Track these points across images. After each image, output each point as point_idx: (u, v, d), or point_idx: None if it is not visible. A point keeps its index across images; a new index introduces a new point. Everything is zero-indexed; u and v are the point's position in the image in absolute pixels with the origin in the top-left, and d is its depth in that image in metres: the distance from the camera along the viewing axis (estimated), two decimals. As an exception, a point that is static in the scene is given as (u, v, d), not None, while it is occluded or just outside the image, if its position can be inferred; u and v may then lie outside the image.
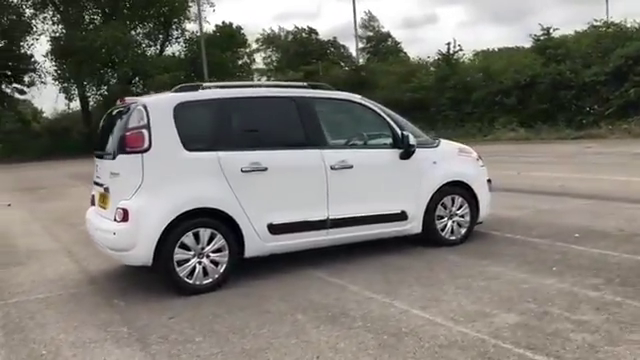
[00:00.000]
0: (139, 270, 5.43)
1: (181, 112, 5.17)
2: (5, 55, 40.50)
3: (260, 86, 6.13)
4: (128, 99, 5.56)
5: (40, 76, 41.79)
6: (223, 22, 40.66)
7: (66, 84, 39.45)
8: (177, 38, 41.87)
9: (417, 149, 6.12)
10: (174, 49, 41.91)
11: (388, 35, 59.70)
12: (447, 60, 31.15)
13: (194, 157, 5.16)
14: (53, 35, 38.82)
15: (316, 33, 58.51)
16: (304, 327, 4.17)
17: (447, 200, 6.37)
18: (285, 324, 4.25)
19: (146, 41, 40.35)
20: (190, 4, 40.28)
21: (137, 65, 35.97)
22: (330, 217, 5.67)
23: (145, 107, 5.09)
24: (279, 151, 5.52)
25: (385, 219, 5.99)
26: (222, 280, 5.22)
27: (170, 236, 4.98)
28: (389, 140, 6.07)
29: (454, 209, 6.43)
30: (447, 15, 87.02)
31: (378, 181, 5.99)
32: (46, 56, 39.16)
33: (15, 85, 43.82)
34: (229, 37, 39.71)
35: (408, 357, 3.58)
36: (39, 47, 41.46)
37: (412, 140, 5.96)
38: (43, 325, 4.57)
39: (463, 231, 6.49)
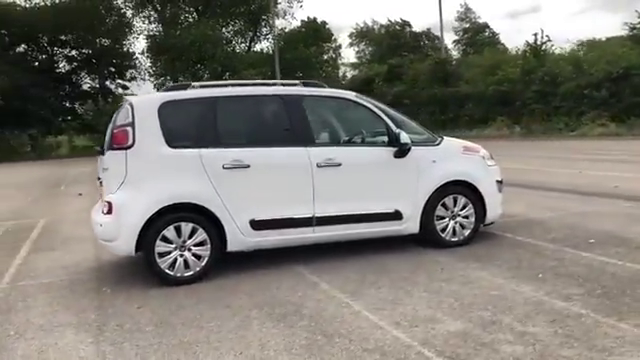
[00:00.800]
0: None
1: (165, 111, 5.39)
2: (110, 53, 43.38)
3: (251, 85, 6.21)
4: (128, 98, 5.86)
5: (140, 72, 44.44)
6: (308, 17, 41.22)
7: (162, 80, 41.59)
8: (266, 35, 42.90)
9: (415, 147, 6.00)
10: (262, 45, 43.00)
11: (486, 26, 57.81)
12: (534, 51, 29.76)
13: (177, 154, 5.36)
14: (149, 33, 41.01)
15: (409, 25, 57.93)
16: (250, 323, 4.25)
17: (448, 200, 6.18)
18: (235, 319, 4.35)
19: (236, 38, 41.63)
20: (279, 1, 41.13)
21: (226, 61, 37.22)
22: (316, 215, 5.69)
23: (131, 106, 5.36)
24: (263, 149, 5.61)
25: (377, 218, 5.92)
26: (204, 273, 5.40)
27: (151, 229, 5.22)
28: (383, 138, 5.98)
29: (456, 210, 6.23)
30: (553, 3, 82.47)
31: (369, 179, 5.92)
32: (142, 53, 41.48)
33: (118, 81, 46.86)
34: (314, 32, 40.14)
35: (325, 358, 3.57)
36: (137, 45, 43.73)
37: (404, 138, 5.83)
38: (29, 308, 4.96)
39: (467, 233, 6.28)
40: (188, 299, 4.90)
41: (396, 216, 5.97)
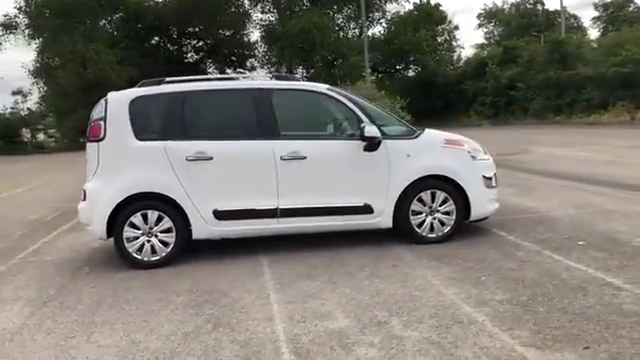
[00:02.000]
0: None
1: (136, 105, 5.78)
2: (230, 43, 45.43)
3: (224, 79, 6.38)
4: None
5: (258, 61, 46.13)
6: (421, 0, 40.29)
7: (276, 67, 42.94)
8: (379, 19, 42.69)
9: (387, 141, 5.90)
10: (374, 31, 42.85)
11: (630, 1, 53.05)
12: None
13: (144, 146, 5.73)
14: (263, 23, 42.45)
15: (542, 3, 54.89)
16: (164, 309, 4.51)
17: (425, 195, 6.01)
18: (156, 304, 4.63)
19: (348, 24, 41.83)
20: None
21: (335, 48, 37.59)
22: (281, 207, 5.81)
23: (106, 101, 5.80)
24: (227, 141, 5.82)
25: (345, 211, 5.91)
26: (170, 258, 5.75)
27: (120, 215, 5.66)
28: (353, 131, 5.94)
29: (435, 205, 6.04)
30: None
31: (336, 172, 5.92)
32: (256, 43, 43.01)
33: (239, 70, 49.02)
34: (427, 15, 39.25)
35: (202, 347, 3.73)
36: (255, 35, 45.36)
37: (369, 132, 5.76)
38: (11, 282, 5.60)
39: (446, 229, 6.07)
40: (139, 282, 5.28)
41: (366, 210, 5.92)
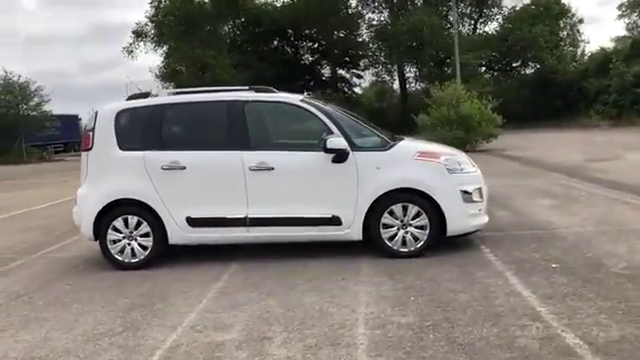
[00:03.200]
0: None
1: (121, 118, 6.23)
2: (344, 44, 45.91)
3: (205, 92, 6.57)
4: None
5: (371, 61, 46.16)
6: (539, -6, 37.98)
7: (387, 67, 42.85)
8: (495, 15, 41.05)
9: (356, 153, 5.86)
10: (489, 27, 41.27)
11: None
12: None
13: (125, 156, 6.16)
14: (374, 23, 42.49)
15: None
16: (102, 310, 4.83)
17: (397, 208, 5.88)
18: (99, 304, 4.99)
19: (461, 21, 40.62)
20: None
21: (445, 46, 36.71)
22: (250, 216, 5.97)
23: (96, 114, 6.30)
24: (200, 152, 6.08)
25: (314, 222, 5.94)
26: (148, 261, 6.12)
27: (104, 219, 6.13)
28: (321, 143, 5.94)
29: (407, 219, 5.88)
30: None
31: (304, 184, 5.97)
32: (368, 43, 43.08)
33: (353, 70, 49.44)
34: (545, 10, 37.00)
35: (77, 344, 4.04)
36: (365, 35, 45.52)
37: (331, 144, 5.74)
38: (12, 275, 6.27)
39: (419, 244, 5.89)
40: (109, 282, 5.69)
41: (335, 221, 5.90)
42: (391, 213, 5.89)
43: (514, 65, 40.32)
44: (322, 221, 5.93)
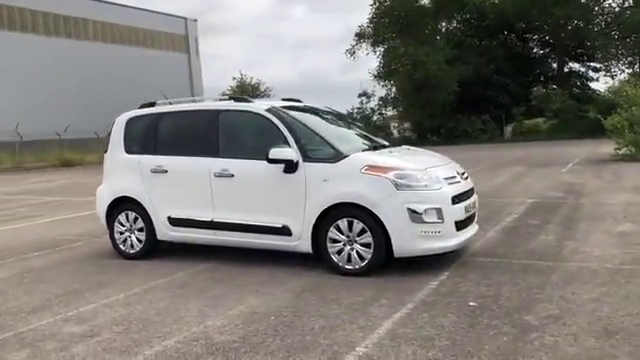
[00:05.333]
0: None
1: (130, 124, 7.02)
2: (577, 34, 41.72)
3: (199, 101, 6.89)
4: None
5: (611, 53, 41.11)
6: None
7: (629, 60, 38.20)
8: None
9: (307, 164, 5.78)
10: None
11: None
12: None
13: (129, 159, 6.93)
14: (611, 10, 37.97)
15: None
16: (47, 295, 5.63)
17: (343, 223, 5.65)
18: (56, 290, 5.75)
19: None
20: None
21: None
22: (215, 219, 6.30)
23: (115, 120, 7.19)
24: (179, 157, 6.56)
25: (267, 231, 6.00)
26: (143, 253, 6.81)
27: (113, 214, 7.01)
28: (277, 152, 5.95)
29: (352, 235, 5.63)
30: None
31: (259, 192, 6.05)
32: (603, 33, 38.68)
33: (588, 63, 44.88)
34: None
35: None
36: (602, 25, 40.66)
37: (273, 154, 5.73)
38: (53, 254, 7.47)
39: (364, 263, 5.59)
40: (91, 270, 6.47)
41: (285, 232, 5.90)
42: (338, 228, 5.68)
43: None
44: (274, 230, 5.96)
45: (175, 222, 6.55)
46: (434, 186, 5.56)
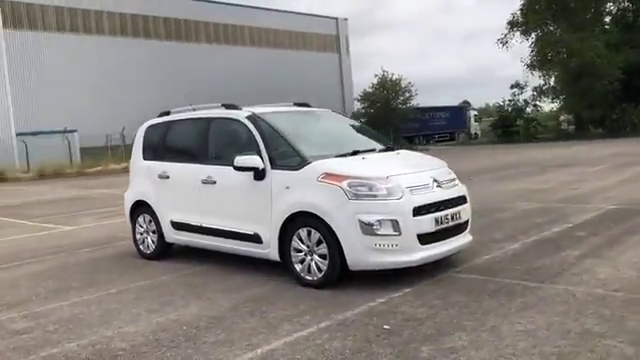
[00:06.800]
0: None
1: (147, 132, 7.42)
2: None
3: (203, 109, 6.96)
4: None
5: None
6: None
7: None
8: None
9: (273, 171, 5.72)
10: None
11: None
12: None
13: (143, 165, 7.33)
14: None
15: None
16: (37, 287, 6.23)
17: (303, 233, 5.50)
18: (48, 282, 6.37)
19: None
20: None
21: None
22: (202, 225, 6.46)
23: (138, 130, 7.64)
24: (179, 164, 6.79)
25: (242, 237, 6.01)
26: (155, 255, 7.18)
27: (134, 216, 7.49)
28: (251, 159, 5.92)
29: (312, 245, 5.45)
30: None
31: (235, 199, 6.08)
32: None
33: None
34: None
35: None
36: None
37: (238, 162, 5.73)
38: (75, 253, 8.13)
39: (320, 275, 5.39)
40: (77, 274, 7.00)
41: (256, 239, 5.87)
42: (300, 237, 5.53)
43: None
44: (248, 237, 5.96)
45: (176, 226, 6.82)
46: (393, 196, 5.17)
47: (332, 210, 5.22)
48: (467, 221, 5.84)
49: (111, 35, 39.60)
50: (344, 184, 5.23)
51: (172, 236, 6.92)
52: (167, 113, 7.44)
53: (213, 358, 3.91)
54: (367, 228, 5.08)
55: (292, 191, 5.54)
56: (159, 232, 7.05)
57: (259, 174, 5.73)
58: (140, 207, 7.34)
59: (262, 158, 5.76)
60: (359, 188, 5.20)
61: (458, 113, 52.57)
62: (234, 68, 43.89)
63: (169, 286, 5.88)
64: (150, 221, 7.20)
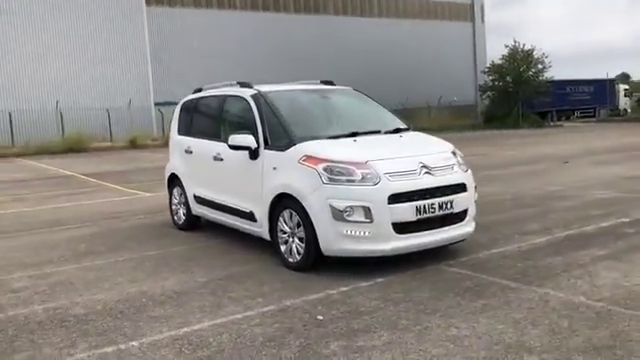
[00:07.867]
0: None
1: (182, 108, 7.69)
2: None
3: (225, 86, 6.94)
4: None
5: None
6: None
7: None
8: None
9: (266, 151, 5.72)
10: None
11: None
12: None
13: (177, 139, 7.63)
14: None
15: None
16: (59, 250, 6.77)
17: (286, 214, 5.45)
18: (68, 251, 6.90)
19: None
20: None
21: None
22: (214, 200, 6.63)
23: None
24: (198, 140, 7.00)
25: (240, 215, 6.10)
26: (187, 226, 7.48)
27: (170, 187, 7.86)
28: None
29: (292, 227, 5.40)
30: None
31: (235, 177, 6.17)
32: None
33: None
34: None
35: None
36: None
37: (232, 141, 5.79)
38: (129, 219, 8.67)
39: (299, 258, 5.33)
40: (136, 236, 7.45)
41: (252, 217, 5.93)
42: (284, 218, 5.50)
43: None
44: (244, 215, 6.04)
45: (198, 200, 7.05)
46: (368, 181, 4.95)
47: (307, 194, 5.11)
48: (465, 211, 5.42)
49: (242, 10, 41.08)
50: (319, 167, 5.09)
51: (196, 209, 7.17)
52: (199, 90, 7.65)
53: (137, 332, 4.02)
54: (338, 214, 4.92)
55: (278, 172, 5.50)
56: (187, 205, 7.34)
57: (253, 153, 5.75)
58: (175, 180, 7.67)
59: (257, 137, 5.76)
60: (334, 172, 5.04)
61: (604, 87, 48.29)
62: (361, 41, 43.65)
63: (170, 257, 6.11)
64: (181, 194, 7.51)
